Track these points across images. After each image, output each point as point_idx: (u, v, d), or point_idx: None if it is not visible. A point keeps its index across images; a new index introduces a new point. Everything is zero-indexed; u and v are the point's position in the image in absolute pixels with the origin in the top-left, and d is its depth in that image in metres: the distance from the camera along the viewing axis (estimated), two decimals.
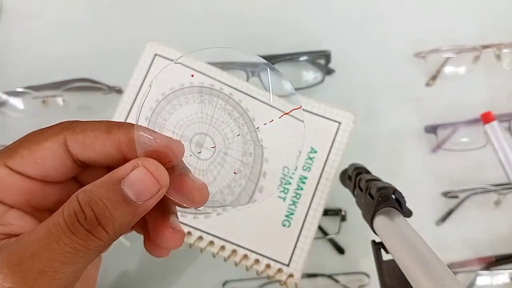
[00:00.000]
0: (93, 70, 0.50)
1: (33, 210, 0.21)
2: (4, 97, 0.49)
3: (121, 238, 0.44)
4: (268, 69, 0.22)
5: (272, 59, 0.49)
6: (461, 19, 0.53)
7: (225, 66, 0.25)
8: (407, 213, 0.30)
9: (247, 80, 0.46)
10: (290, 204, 0.41)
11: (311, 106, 0.43)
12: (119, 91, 0.50)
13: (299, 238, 0.40)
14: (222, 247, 0.40)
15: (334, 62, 0.51)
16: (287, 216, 0.41)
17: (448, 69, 0.51)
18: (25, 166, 0.20)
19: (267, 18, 0.54)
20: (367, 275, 0.46)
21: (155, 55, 0.43)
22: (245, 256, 0.40)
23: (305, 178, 0.41)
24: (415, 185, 0.49)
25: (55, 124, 0.21)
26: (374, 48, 0.52)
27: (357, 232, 0.47)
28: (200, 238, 0.40)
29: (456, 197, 0.48)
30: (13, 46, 0.53)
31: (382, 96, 0.51)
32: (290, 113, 0.22)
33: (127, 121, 0.34)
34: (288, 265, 0.40)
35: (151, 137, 0.20)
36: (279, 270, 0.40)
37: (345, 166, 0.40)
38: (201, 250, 0.40)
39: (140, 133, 0.20)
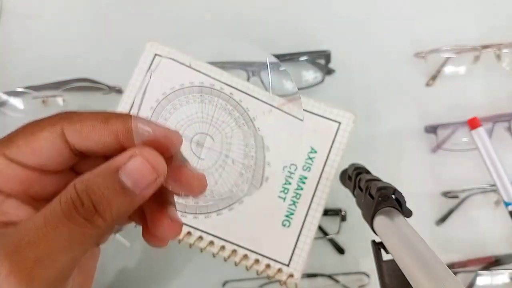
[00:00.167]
0: (93, 70, 0.50)
1: (31, 200, 0.21)
2: (4, 97, 0.49)
3: (121, 238, 0.44)
4: (268, 61, 0.22)
5: None
6: (461, 19, 0.53)
7: (225, 64, 0.25)
8: (407, 213, 0.30)
9: (248, 79, 0.46)
10: (290, 204, 0.41)
11: (311, 106, 0.43)
12: (119, 91, 0.50)
13: (299, 238, 0.40)
14: (222, 247, 0.40)
15: (334, 62, 0.51)
16: (287, 216, 0.41)
17: (448, 69, 0.51)
18: (22, 155, 0.20)
19: (267, 18, 0.54)
20: (367, 275, 0.46)
21: (155, 55, 0.43)
22: (245, 256, 0.40)
23: (305, 178, 0.41)
24: (415, 185, 0.49)
25: (53, 115, 0.21)
26: (374, 48, 0.52)
27: (357, 232, 0.47)
28: (200, 238, 0.40)
29: (456, 197, 0.48)
30: (13, 46, 0.53)
31: (382, 96, 0.51)
32: (290, 113, 0.22)
33: None
34: (288, 265, 0.40)
35: (148, 127, 0.20)
36: (279, 270, 0.40)
37: (345, 166, 0.40)
38: (201, 250, 0.40)
39: (138, 123, 0.20)
